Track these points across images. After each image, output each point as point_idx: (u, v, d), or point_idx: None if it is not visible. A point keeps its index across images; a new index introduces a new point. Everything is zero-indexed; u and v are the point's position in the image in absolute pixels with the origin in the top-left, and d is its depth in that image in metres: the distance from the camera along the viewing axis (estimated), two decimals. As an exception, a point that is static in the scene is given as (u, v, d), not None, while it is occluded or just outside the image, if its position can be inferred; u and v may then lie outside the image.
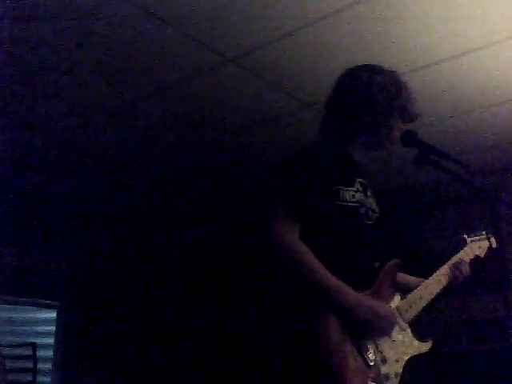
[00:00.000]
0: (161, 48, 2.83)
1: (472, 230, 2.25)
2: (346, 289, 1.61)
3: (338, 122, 1.93)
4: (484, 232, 2.25)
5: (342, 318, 1.58)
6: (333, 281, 1.60)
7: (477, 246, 2.19)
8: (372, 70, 1.93)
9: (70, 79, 3.08)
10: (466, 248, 2.16)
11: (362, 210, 1.83)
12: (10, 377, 4.23)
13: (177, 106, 3.41)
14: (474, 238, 2.21)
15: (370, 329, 1.63)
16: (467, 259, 2.12)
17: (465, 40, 2.81)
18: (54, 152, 3.97)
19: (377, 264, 1.81)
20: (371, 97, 1.87)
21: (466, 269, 2.06)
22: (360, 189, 1.85)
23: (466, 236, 2.19)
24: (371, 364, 1.59)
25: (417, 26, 2.70)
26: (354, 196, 1.81)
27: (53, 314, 5.35)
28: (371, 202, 1.90)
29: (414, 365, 1.76)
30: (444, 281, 1.98)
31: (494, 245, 2.25)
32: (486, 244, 2.23)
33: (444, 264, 2.03)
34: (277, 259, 1.63)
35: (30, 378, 4.56)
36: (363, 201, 1.85)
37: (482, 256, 2.19)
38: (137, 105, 3.38)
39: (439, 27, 2.71)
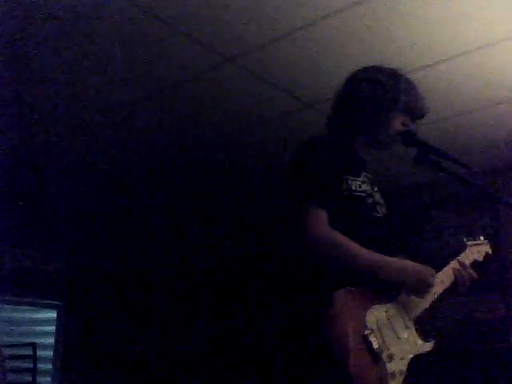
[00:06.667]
0: (161, 48, 2.83)
1: (471, 234, 2.26)
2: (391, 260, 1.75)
3: (341, 120, 1.94)
4: (482, 237, 2.26)
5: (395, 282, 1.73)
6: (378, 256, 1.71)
7: (476, 250, 2.19)
8: (377, 70, 1.94)
9: (70, 79, 3.08)
10: (465, 252, 2.15)
11: (370, 201, 1.83)
12: (10, 377, 4.23)
13: (177, 105, 3.41)
14: (473, 242, 2.21)
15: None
16: (467, 263, 2.12)
17: (465, 40, 2.81)
18: (54, 152, 3.97)
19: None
20: (371, 97, 1.87)
21: (469, 272, 2.06)
22: (366, 181, 1.86)
23: (465, 240, 2.19)
24: (378, 361, 1.59)
25: (417, 26, 2.70)
26: (360, 186, 1.81)
27: (53, 314, 5.35)
28: (378, 197, 1.90)
29: (415, 364, 1.76)
30: (447, 283, 1.97)
31: (491, 251, 2.26)
32: (484, 249, 2.23)
33: (446, 266, 2.03)
34: (317, 252, 1.66)
35: (29, 378, 4.56)
36: (370, 192, 1.85)
37: (481, 260, 2.19)
38: (137, 105, 3.38)
39: (439, 27, 2.71)
